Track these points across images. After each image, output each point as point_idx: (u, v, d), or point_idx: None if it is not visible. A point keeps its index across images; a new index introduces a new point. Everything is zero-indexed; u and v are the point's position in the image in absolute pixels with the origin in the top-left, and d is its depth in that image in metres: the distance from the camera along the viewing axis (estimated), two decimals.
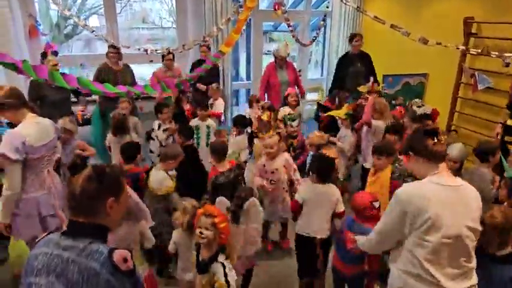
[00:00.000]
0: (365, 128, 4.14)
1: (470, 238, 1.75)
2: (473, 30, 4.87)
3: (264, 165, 3.47)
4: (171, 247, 2.69)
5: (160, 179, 3.09)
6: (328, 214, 2.83)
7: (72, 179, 1.32)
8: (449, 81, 5.17)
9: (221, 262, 2.18)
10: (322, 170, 2.85)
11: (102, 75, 4.64)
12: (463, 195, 1.77)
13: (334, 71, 5.80)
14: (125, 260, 1.23)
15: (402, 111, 4.52)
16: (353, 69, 5.38)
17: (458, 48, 3.94)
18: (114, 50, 4.79)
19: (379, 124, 4.01)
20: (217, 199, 2.57)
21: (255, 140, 4.27)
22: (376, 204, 2.53)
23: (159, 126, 4.37)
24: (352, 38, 5.37)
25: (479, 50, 3.88)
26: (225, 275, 2.15)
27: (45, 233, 1.40)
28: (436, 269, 1.73)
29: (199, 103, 4.65)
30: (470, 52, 4.20)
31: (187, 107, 5.08)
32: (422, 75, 5.69)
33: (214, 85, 5.19)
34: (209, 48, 5.38)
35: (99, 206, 1.32)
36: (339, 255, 2.69)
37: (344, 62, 5.56)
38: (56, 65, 4.07)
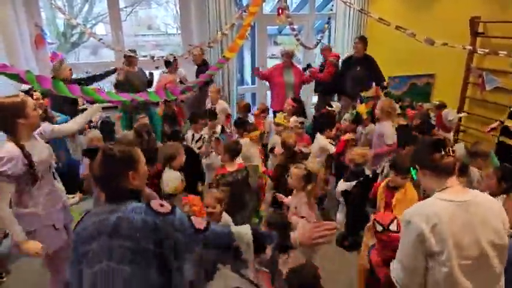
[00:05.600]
0: (377, 133, 3.97)
1: (498, 258, 1.57)
2: (480, 30, 4.80)
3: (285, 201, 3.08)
4: None
5: (171, 178, 3.02)
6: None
7: (91, 165, 1.45)
8: (457, 81, 5.09)
9: None
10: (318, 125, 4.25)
11: (131, 80, 4.73)
12: (479, 210, 1.57)
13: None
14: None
15: (412, 112, 4.43)
16: (351, 73, 5.29)
17: (465, 48, 3.88)
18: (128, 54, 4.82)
19: (384, 124, 3.83)
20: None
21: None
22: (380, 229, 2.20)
23: (193, 137, 4.14)
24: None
25: (487, 50, 3.82)
26: None
27: (84, 213, 1.48)
28: None
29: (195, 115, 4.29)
30: (478, 52, 4.14)
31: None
32: (429, 76, 5.62)
33: (212, 88, 4.93)
34: (202, 53, 5.23)
35: (122, 181, 1.42)
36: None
37: (345, 64, 5.51)
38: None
